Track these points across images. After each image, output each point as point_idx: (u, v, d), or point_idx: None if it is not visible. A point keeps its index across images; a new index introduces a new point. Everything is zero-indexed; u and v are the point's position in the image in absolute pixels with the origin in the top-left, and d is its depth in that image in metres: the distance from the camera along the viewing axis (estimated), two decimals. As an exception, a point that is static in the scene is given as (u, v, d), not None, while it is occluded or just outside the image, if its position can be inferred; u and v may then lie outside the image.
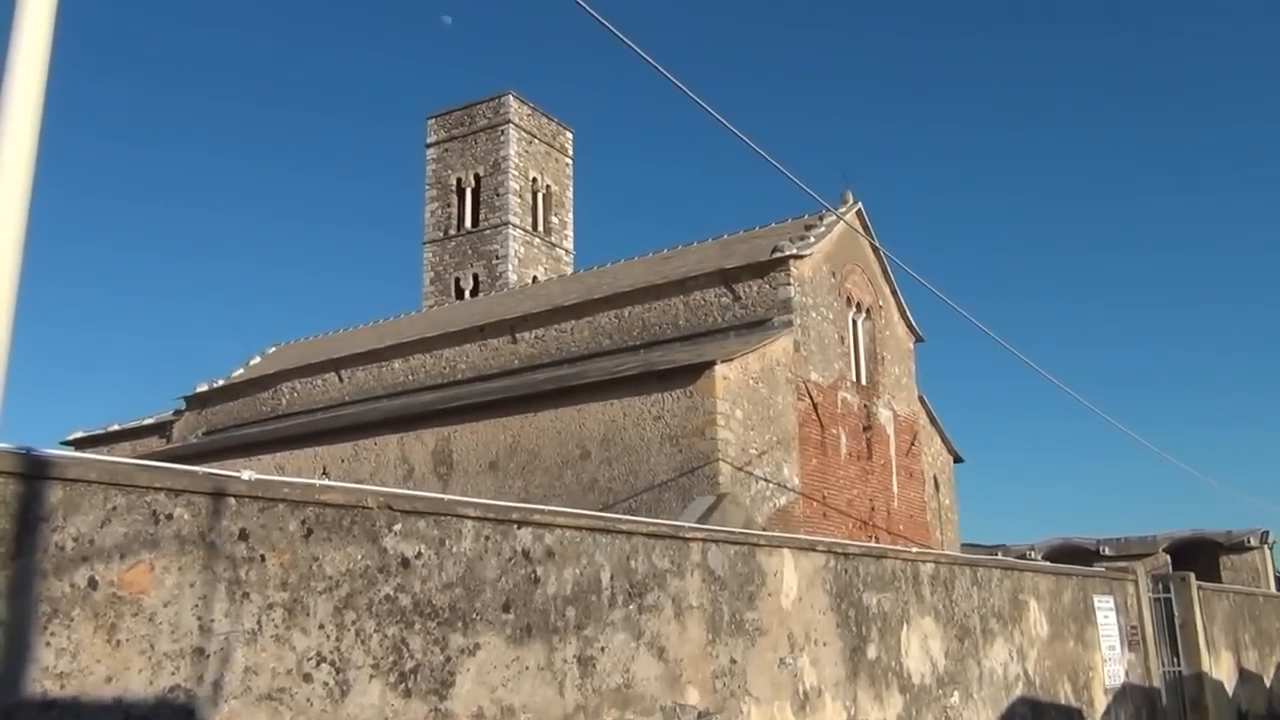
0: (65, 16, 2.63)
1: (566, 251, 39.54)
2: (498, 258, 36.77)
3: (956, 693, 9.47)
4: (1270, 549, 29.60)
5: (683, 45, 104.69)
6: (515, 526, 5.26)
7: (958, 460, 26.97)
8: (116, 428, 32.43)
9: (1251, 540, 29.47)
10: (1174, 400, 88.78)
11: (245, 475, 4.10)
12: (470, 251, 37.50)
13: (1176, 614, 14.73)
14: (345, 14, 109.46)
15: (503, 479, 19.97)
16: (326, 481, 4.51)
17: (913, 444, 24.65)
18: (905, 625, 8.86)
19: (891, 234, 67.75)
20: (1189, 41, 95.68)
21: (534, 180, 38.67)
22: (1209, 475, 74.52)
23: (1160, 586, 14.91)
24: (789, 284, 21.00)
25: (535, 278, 36.60)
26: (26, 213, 2.49)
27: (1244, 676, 17.86)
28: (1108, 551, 29.45)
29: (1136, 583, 14.41)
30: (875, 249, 23.95)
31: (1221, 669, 16.38)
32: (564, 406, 19.78)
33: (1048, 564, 14.78)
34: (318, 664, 4.21)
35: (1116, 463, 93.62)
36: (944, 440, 26.52)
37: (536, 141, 39.02)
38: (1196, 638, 14.79)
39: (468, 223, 38.02)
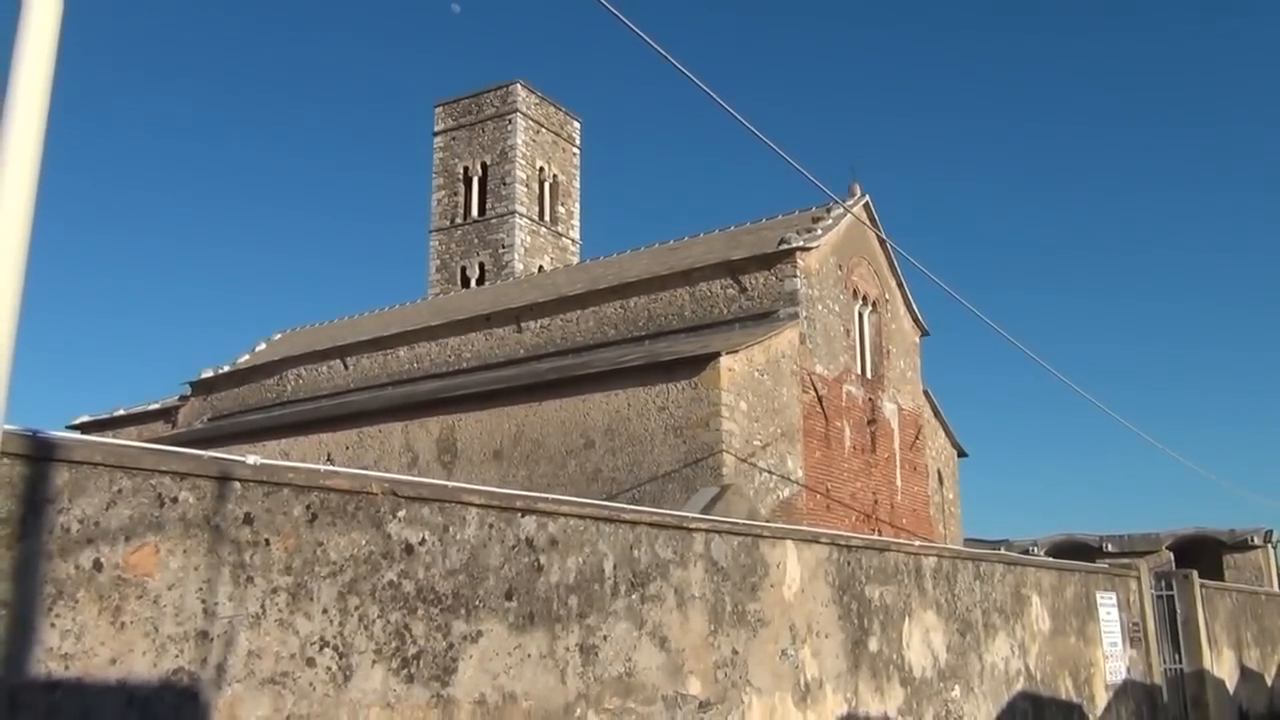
0: (72, 5, 2.62)
1: (573, 241, 39.52)
2: (504, 246, 36.77)
3: (958, 686, 9.48)
4: (1273, 548, 29.59)
5: (691, 35, 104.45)
6: (519, 514, 5.27)
7: (962, 454, 26.96)
8: (122, 412, 32.53)
9: (1254, 539, 29.47)
10: (1179, 397, 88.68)
11: (250, 460, 4.11)
12: (476, 240, 37.50)
13: (1179, 611, 14.73)
14: (354, 1, 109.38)
15: (507, 468, 19.99)
16: (331, 467, 4.52)
17: (917, 438, 24.64)
18: (907, 618, 8.87)
19: (899, 227, 67.72)
20: (1204, 38, 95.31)
21: (541, 169, 38.64)
22: (1213, 473, 74.51)
23: (1163, 584, 14.90)
24: (795, 276, 20.97)
25: (541, 267, 36.60)
26: (34, 199, 2.49)
27: (1245, 675, 17.86)
28: (1111, 548, 29.44)
29: (1139, 579, 14.40)
30: (882, 242, 23.91)
31: (1223, 667, 16.38)
32: (568, 396, 19.79)
33: (1050, 559, 14.77)
34: (321, 649, 4.22)
35: (1121, 459, 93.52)
36: (948, 434, 26.50)
37: (544, 130, 38.99)
38: (1198, 635, 14.79)
39: (474, 211, 38.01)
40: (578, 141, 40.81)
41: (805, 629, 7.44)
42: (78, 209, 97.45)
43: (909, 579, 9.03)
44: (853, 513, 21.29)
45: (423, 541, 4.73)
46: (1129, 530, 30.81)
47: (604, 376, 19.55)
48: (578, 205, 40.28)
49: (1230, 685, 16.72)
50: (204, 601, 3.85)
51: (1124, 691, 13.13)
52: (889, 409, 23.62)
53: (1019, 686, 10.70)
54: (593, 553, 5.69)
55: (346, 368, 28.11)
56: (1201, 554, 28.07)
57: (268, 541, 4.10)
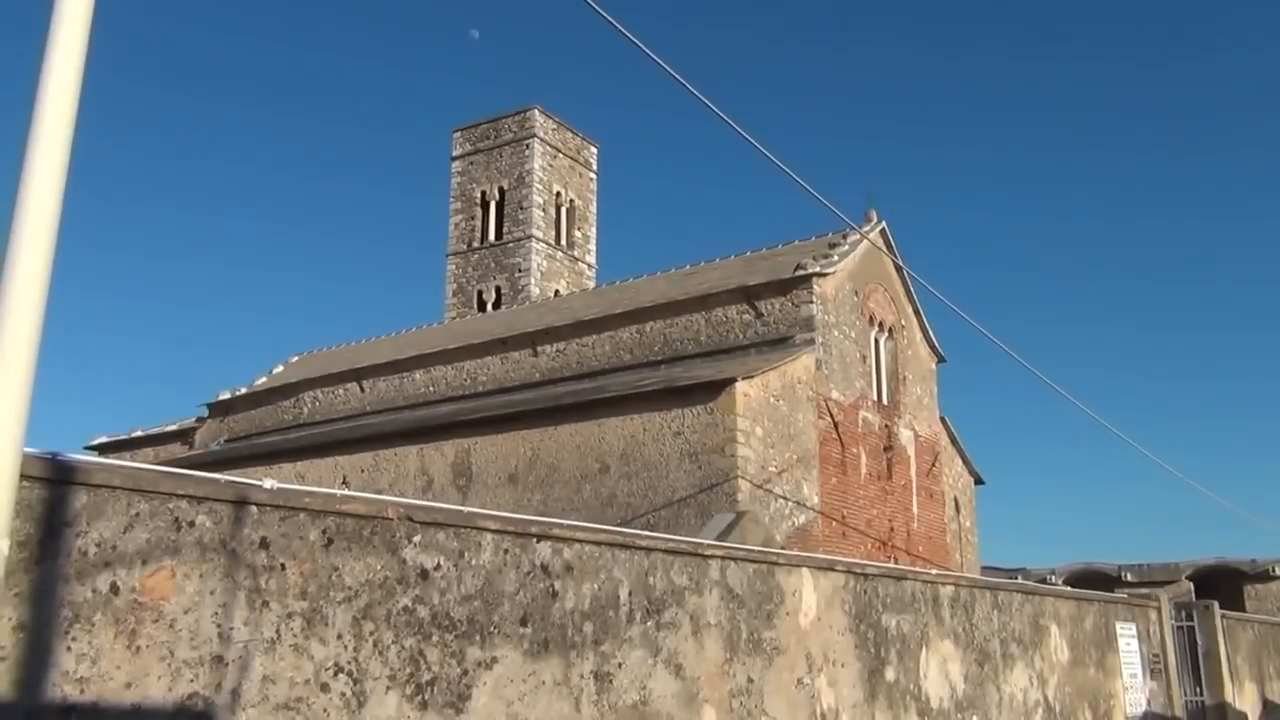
0: (98, 22, 2.65)
1: (589, 266, 39.62)
2: (520, 271, 36.88)
3: (975, 717, 9.37)
4: (1295, 578, 29.24)
5: (709, 62, 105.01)
6: (534, 540, 5.25)
7: (979, 482, 26.79)
8: (140, 433, 32.67)
9: (1276, 569, 29.15)
10: (1199, 425, 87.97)
11: (267, 484, 4.11)
12: (493, 264, 37.64)
13: (1199, 643, 14.56)
14: (374, 27, 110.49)
15: (521, 492, 19.97)
16: (347, 492, 4.52)
17: (933, 465, 24.50)
18: (924, 648, 8.78)
19: (915, 253, 67.67)
20: (1228, 63, 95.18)
21: (558, 194, 38.81)
22: (1234, 502, 73.72)
23: (1183, 614, 14.74)
24: (812, 302, 20.94)
25: (557, 291, 36.68)
26: (58, 220, 2.51)
27: (1268, 708, 17.61)
28: (1130, 578, 29.19)
29: (1159, 610, 14.24)
30: (898, 268, 23.88)
31: (1245, 700, 16.16)
32: (584, 420, 19.77)
33: (1069, 589, 14.63)
34: (335, 674, 4.21)
35: (1139, 487, 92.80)
36: (965, 461, 26.35)
37: (561, 155, 39.17)
38: (1220, 667, 14.61)
39: (491, 235, 38.18)
40: (595, 166, 40.98)
41: (821, 658, 7.38)
42: (97, 228, 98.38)
43: (926, 608, 8.95)
44: (869, 540, 21.15)
45: (438, 567, 4.71)
46: (1148, 560, 30.56)
47: (619, 401, 19.53)
48: (594, 230, 40.40)
49: (1253, 718, 16.49)
50: (219, 626, 3.85)
51: (1144, 724, 12.96)
52: (905, 436, 23.51)
53: (1038, 718, 10.58)
54: (608, 579, 5.66)
55: (363, 390, 28.19)
56: (1222, 584, 27.79)
57: (283, 566, 4.09)
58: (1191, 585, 28.69)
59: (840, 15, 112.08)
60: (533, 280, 36.57)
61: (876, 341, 23.27)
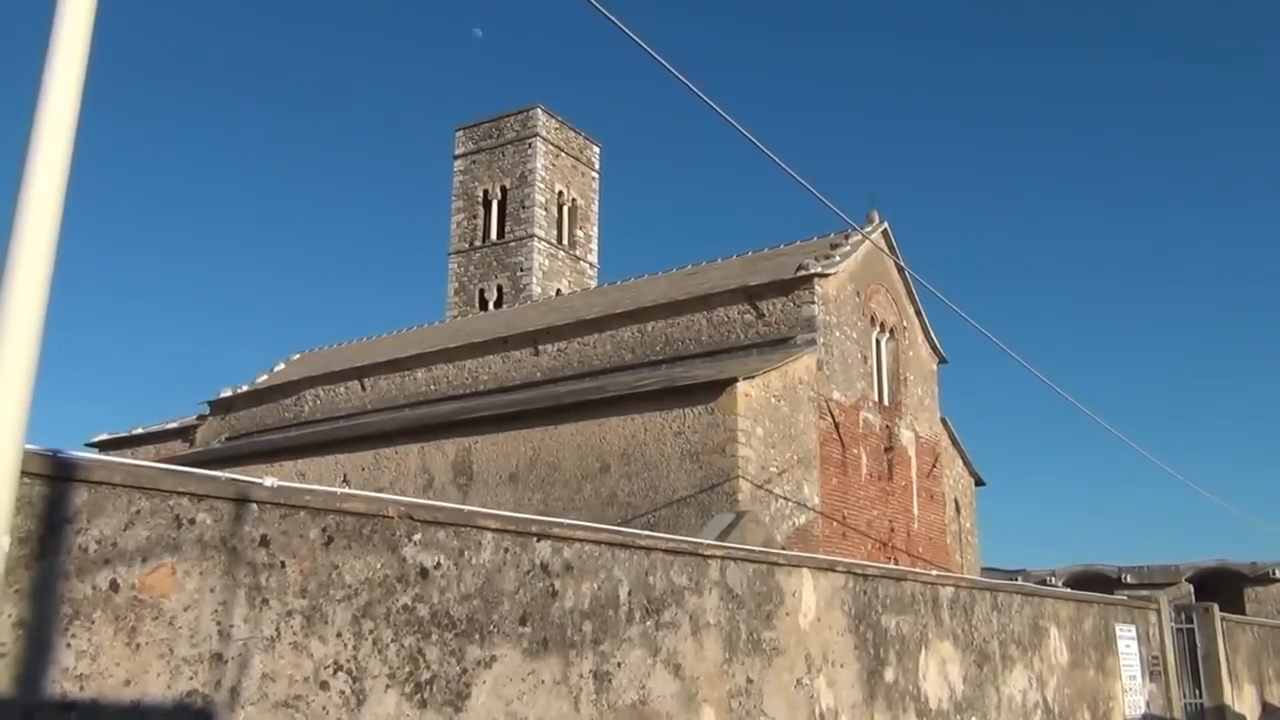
0: (100, 22, 2.65)
1: (590, 265, 39.61)
2: (522, 270, 36.88)
3: (974, 719, 9.37)
4: (1296, 581, 29.22)
5: (711, 62, 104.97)
6: (534, 539, 5.25)
7: (979, 483, 26.77)
8: (141, 431, 32.69)
9: (1276, 572, 29.12)
10: (1199, 426, 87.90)
11: (267, 482, 4.12)
12: (495, 263, 37.64)
13: (1199, 645, 14.56)
14: (377, 25, 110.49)
15: (522, 491, 19.97)
16: (348, 490, 4.52)
17: (934, 466, 24.49)
18: (924, 649, 8.78)
19: (917, 254, 67.62)
20: (1228, 62, 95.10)
21: (560, 193, 38.80)
22: (1234, 504, 73.70)
23: (1183, 616, 14.73)
24: (813, 302, 20.94)
25: (559, 290, 36.67)
26: (60, 219, 2.51)
27: (1268, 710, 17.61)
28: (1130, 579, 29.17)
29: (1159, 612, 14.24)
30: (900, 269, 23.87)
31: (1244, 702, 16.15)
32: (585, 420, 19.77)
33: (1069, 591, 14.62)
34: (335, 672, 4.21)
35: (1140, 489, 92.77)
36: (966, 463, 26.34)
37: (563, 155, 39.17)
38: (1219, 670, 14.60)
39: (493, 234, 38.18)
40: (597, 166, 40.97)
41: (821, 658, 7.38)
42: (99, 226, 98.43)
43: (926, 609, 8.95)
44: (869, 541, 21.15)
45: (438, 565, 4.71)
46: (1148, 562, 30.53)
47: (620, 400, 19.53)
48: (596, 229, 40.38)
49: (1252, 721, 16.49)
50: (219, 623, 3.85)
51: (1143, 726, 12.95)
52: (906, 436, 23.51)
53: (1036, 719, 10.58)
54: (608, 579, 5.66)
55: (364, 389, 28.20)
56: (1222, 587, 27.76)
57: (283, 564, 4.10)
58: (1191, 587, 28.68)
59: (842, 15, 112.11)
60: (534, 279, 36.58)
61: (878, 342, 23.27)
